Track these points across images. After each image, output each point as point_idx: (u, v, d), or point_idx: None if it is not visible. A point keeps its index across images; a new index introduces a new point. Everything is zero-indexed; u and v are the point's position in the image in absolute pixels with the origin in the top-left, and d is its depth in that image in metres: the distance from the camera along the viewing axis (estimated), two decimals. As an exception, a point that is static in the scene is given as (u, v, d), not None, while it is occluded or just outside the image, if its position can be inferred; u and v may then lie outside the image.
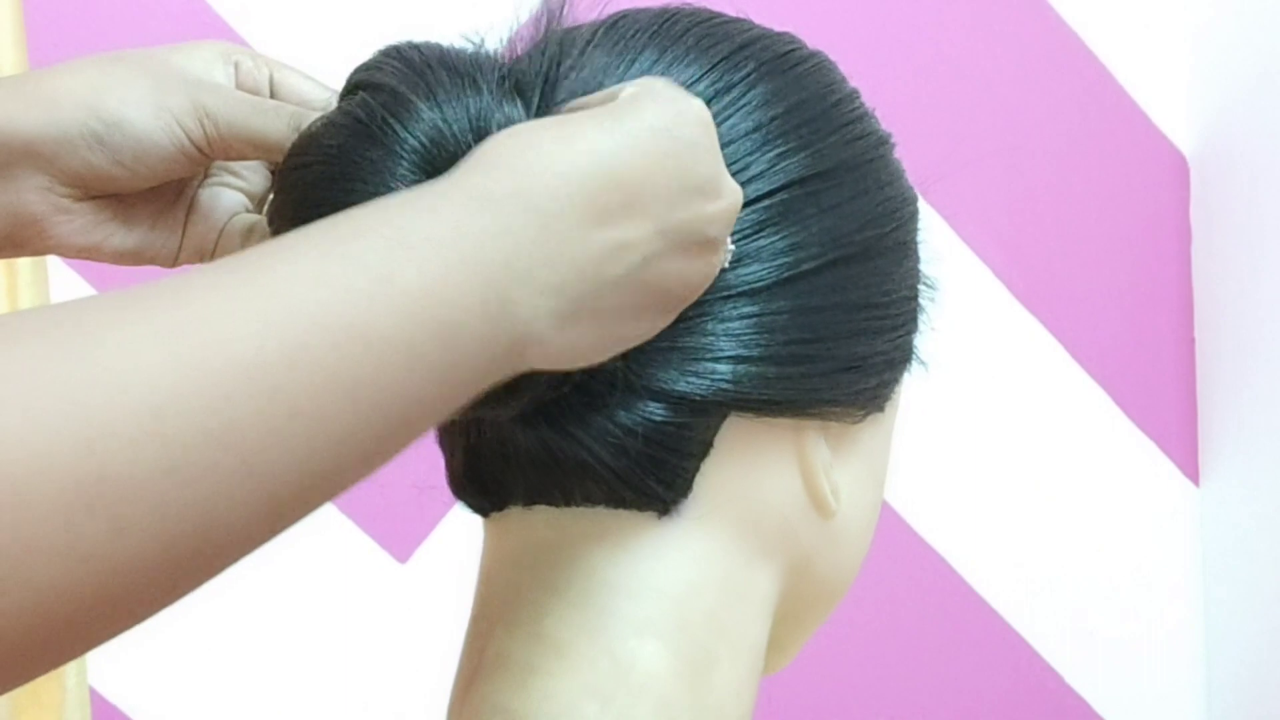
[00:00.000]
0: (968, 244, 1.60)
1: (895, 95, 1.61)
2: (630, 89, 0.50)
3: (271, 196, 0.56)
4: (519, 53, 0.56)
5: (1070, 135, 1.64)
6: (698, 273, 0.50)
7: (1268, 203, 1.55)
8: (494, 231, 0.43)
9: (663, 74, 0.54)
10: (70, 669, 1.36)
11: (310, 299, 0.39)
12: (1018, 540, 1.65)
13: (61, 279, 1.45)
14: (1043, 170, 1.63)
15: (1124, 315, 1.67)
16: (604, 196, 0.46)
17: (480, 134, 0.51)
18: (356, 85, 0.54)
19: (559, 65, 0.54)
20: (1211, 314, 1.65)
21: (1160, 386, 1.68)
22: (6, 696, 1.35)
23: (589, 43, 0.56)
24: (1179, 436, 1.69)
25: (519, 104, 0.52)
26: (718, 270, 0.52)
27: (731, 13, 0.60)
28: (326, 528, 1.48)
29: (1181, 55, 1.66)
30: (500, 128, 0.51)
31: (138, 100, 0.57)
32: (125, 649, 1.67)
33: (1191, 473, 1.69)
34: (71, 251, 0.60)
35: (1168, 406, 1.68)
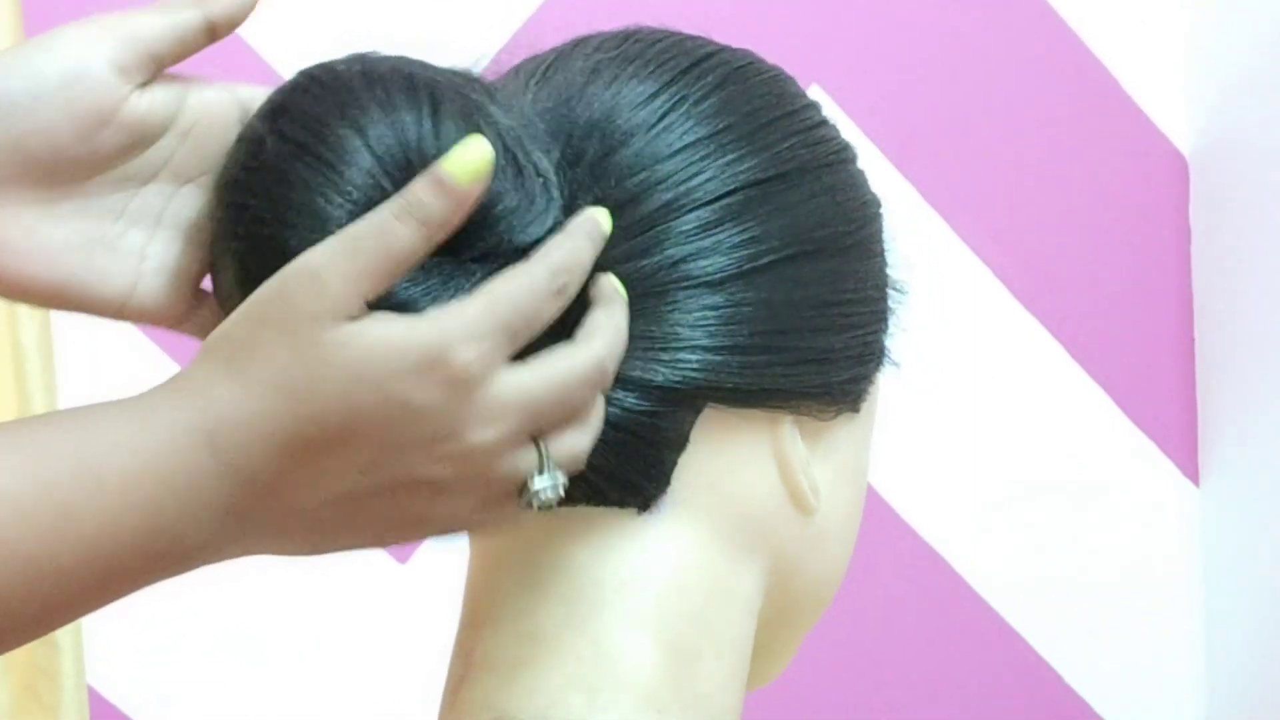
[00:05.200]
0: (968, 244, 1.60)
1: (895, 95, 1.60)
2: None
3: (211, 221, 0.55)
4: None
5: (1070, 135, 1.64)
6: (429, 507, 0.52)
7: (1268, 203, 1.55)
8: (180, 470, 0.49)
9: (621, 89, 0.56)
10: (69, 669, 1.35)
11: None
12: (1018, 540, 1.65)
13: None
14: (1043, 170, 1.63)
15: (1124, 315, 1.67)
16: (293, 445, 0.49)
17: (409, 164, 0.51)
18: (281, 108, 0.53)
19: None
20: (1211, 314, 1.65)
21: (1160, 386, 1.68)
22: (6, 697, 1.35)
23: (547, 68, 0.58)
24: (1179, 436, 1.69)
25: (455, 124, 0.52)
26: (462, 506, 0.52)
27: (692, 30, 0.61)
28: (326, 528, 1.47)
29: (1181, 54, 1.66)
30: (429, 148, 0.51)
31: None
32: (125, 649, 1.66)
33: (1191, 473, 1.69)
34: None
35: (1168, 406, 1.68)
